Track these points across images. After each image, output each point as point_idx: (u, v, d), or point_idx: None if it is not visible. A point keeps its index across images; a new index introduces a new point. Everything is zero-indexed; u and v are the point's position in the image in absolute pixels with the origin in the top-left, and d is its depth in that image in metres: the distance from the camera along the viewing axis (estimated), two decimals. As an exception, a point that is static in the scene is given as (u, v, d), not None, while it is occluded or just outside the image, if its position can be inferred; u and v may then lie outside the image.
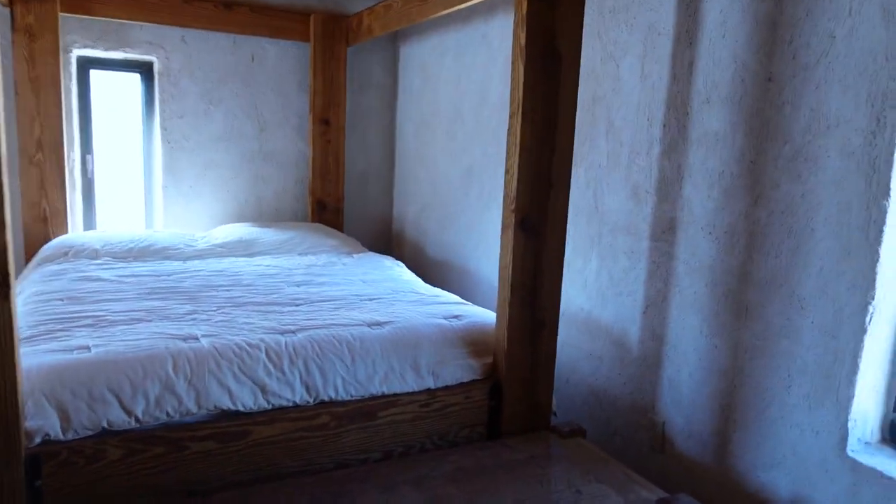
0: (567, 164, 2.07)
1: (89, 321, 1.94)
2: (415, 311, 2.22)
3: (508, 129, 2.03)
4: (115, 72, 3.54)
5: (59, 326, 1.88)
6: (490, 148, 3.17)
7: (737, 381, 1.92)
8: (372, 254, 3.34)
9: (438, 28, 3.60)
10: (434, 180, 3.71)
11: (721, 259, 1.97)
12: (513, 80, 2.00)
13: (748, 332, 1.88)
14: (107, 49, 3.39)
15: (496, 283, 2.00)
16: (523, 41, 1.96)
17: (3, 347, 1.37)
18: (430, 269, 3.61)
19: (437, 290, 2.63)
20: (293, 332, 1.93)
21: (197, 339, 1.81)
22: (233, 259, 3.02)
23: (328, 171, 3.80)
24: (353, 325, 2.01)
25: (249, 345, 1.79)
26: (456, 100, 3.47)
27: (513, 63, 2.00)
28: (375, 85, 4.06)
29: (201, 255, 3.03)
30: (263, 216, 3.81)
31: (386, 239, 4.18)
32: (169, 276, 2.62)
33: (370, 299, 2.40)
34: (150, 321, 1.98)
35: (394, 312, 2.20)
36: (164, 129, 3.54)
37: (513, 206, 2.00)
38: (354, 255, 3.26)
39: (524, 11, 1.94)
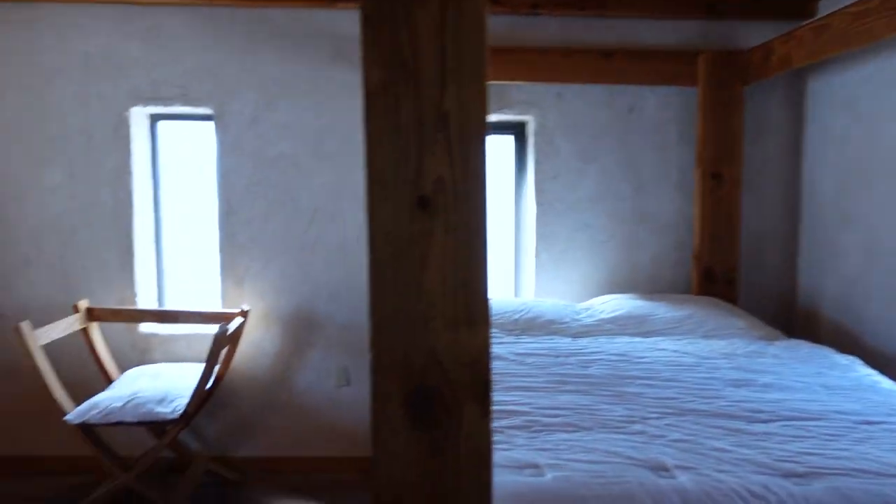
0: None
1: (518, 421, 1.60)
2: (973, 458, 1.42)
3: None
4: (492, 135, 3.48)
5: (491, 426, 1.57)
6: None
7: None
8: (802, 342, 2.56)
9: (877, 52, 2.75)
10: (873, 247, 2.79)
11: None
12: None
13: None
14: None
15: None
16: None
17: (479, 482, 1.04)
18: (873, 365, 2.66)
19: (964, 416, 1.75)
20: (801, 476, 1.31)
21: (669, 471, 1.32)
22: (627, 339, 2.55)
23: (719, 234, 3.16)
24: (892, 476, 1.32)
25: (752, 493, 1.23)
26: (915, 140, 2.57)
27: None
28: (773, 130, 3.33)
29: (589, 331, 2.63)
30: (638, 285, 3.32)
31: (786, 318, 3.33)
32: (567, 357, 2.25)
33: (866, 422, 1.66)
34: (588, 428, 1.57)
35: (936, 456, 1.43)
36: (538, 190, 3.33)
37: None
38: (775, 343, 2.53)
39: None
